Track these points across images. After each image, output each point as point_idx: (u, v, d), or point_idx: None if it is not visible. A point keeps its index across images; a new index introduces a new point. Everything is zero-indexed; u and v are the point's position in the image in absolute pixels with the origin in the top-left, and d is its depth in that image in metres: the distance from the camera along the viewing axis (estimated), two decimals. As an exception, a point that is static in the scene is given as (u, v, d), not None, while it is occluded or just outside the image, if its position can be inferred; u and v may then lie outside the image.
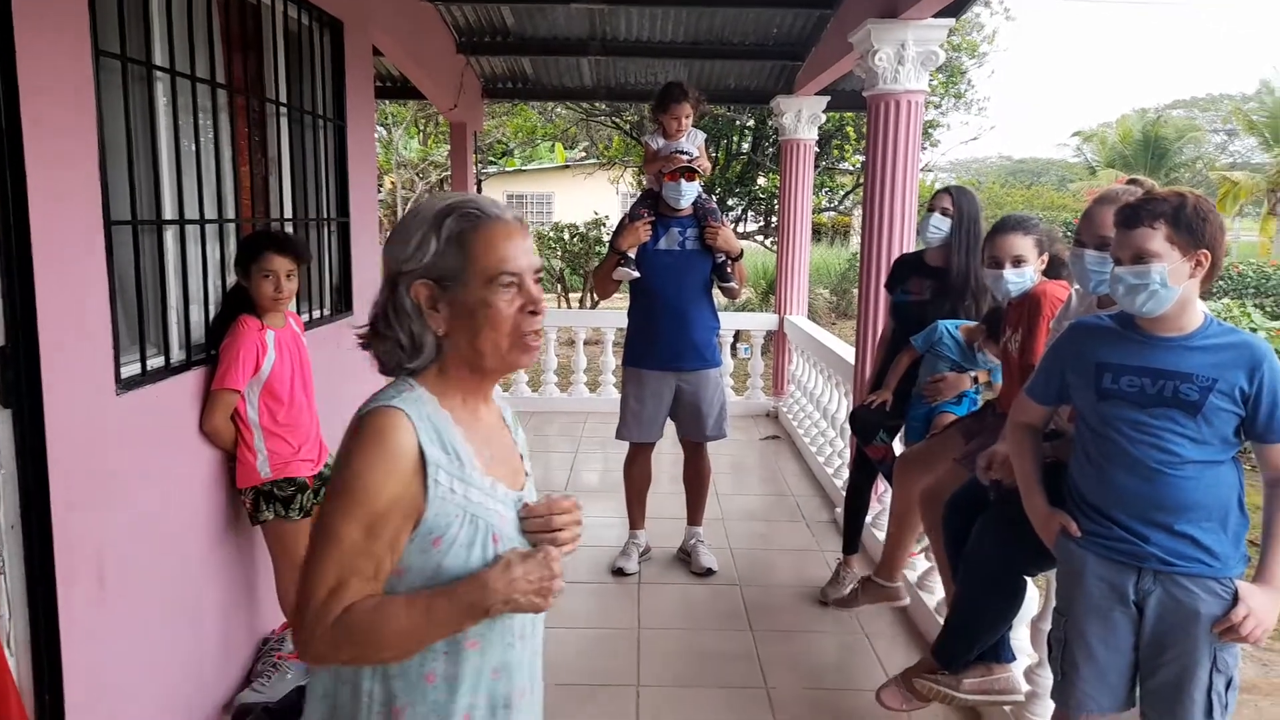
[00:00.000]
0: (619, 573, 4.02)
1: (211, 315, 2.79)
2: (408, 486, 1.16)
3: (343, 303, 3.92)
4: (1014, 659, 2.65)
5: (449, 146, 8.15)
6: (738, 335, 7.97)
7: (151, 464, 2.41)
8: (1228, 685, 1.97)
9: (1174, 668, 1.97)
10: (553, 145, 25.07)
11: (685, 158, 3.77)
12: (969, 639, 2.51)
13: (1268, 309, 11.65)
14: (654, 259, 3.87)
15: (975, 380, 3.34)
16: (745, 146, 11.20)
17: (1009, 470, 2.36)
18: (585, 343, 7.57)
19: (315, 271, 3.67)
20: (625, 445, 4.13)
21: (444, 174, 17.47)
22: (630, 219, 3.90)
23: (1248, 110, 30.73)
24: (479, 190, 7.63)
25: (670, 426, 4.08)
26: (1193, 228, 1.90)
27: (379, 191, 18.56)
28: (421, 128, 18.78)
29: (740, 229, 12.15)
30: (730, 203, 11.73)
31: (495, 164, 19.94)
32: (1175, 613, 1.95)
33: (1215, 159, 38.44)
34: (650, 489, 4.21)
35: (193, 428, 2.65)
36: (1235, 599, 1.91)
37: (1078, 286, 2.54)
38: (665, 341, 3.90)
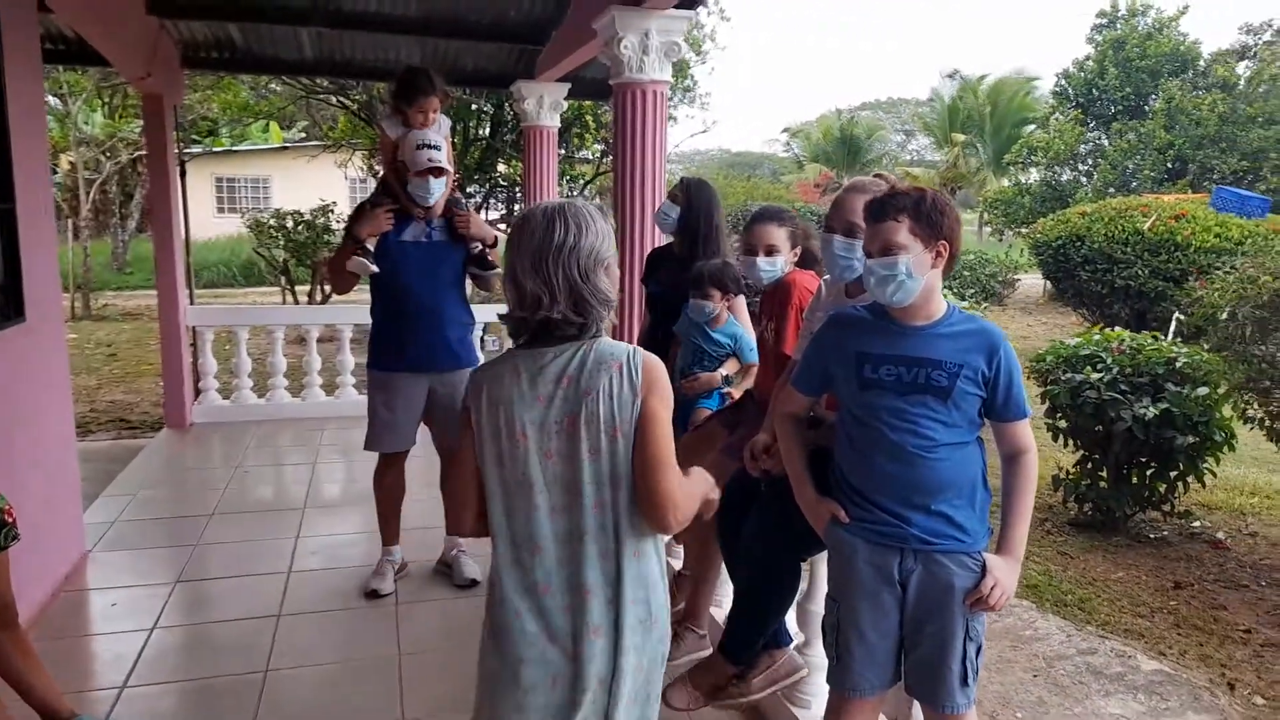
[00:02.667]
0: (373, 595, 3.68)
1: None
2: None
3: (11, 307, 3.24)
4: (791, 640, 2.72)
5: (142, 122, 7.13)
6: (486, 328, 7.71)
7: None
8: (978, 651, 2.11)
9: (934, 641, 2.07)
10: (266, 125, 23.11)
11: (434, 151, 3.47)
12: (757, 627, 2.52)
13: (955, 291, 13.23)
14: (399, 251, 3.56)
15: (727, 379, 3.40)
16: (484, 132, 10.90)
17: (778, 461, 2.39)
18: (319, 340, 6.98)
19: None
20: (372, 455, 3.79)
21: (136, 153, 15.46)
22: (371, 205, 3.56)
23: (923, 114, 35.05)
24: (182, 173, 6.72)
25: (424, 433, 3.81)
26: (932, 220, 2.00)
27: (54, 172, 16.09)
28: (107, 100, 16.51)
29: (483, 217, 11.84)
30: (470, 189, 11.38)
31: (200, 143, 17.99)
32: (934, 589, 2.05)
33: (898, 156, 43.41)
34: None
35: None
36: (983, 571, 2.05)
37: (827, 276, 2.63)
38: (416, 341, 3.61)
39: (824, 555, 2.45)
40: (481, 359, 7.08)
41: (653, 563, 1.70)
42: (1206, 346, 4.84)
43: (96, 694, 2.97)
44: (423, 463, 3.97)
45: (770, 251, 2.90)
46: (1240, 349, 4.06)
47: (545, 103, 6.69)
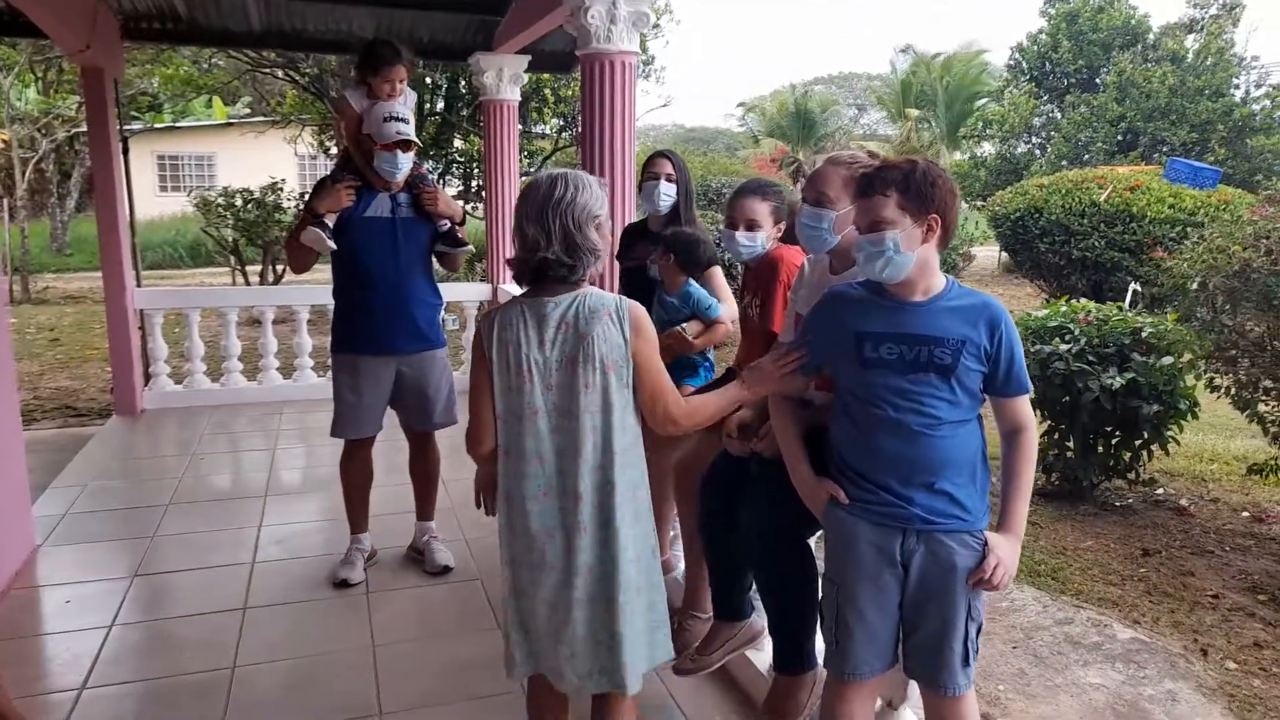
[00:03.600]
0: (342, 584, 3.56)
1: None
2: None
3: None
4: (753, 612, 2.71)
5: (79, 98, 6.78)
6: (445, 307, 7.56)
7: None
8: (978, 631, 2.07)
9: (936, 622, 2.03)
10: (209, 100, 22.35)
11: (402, 124, 3.32)
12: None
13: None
14: (362, 228, 3.41)
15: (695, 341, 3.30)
16: (439, 106, 10.63)
17: (770, 442, 2.33)
18: (274, 322, 6.76)
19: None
20: (337, 440, 3.65)
21: (74, 130, 14.85)
22: (332, 180, 3.40)
23: (875, 89, 35.12)
24: (125, 150, 6.43)
25: (389, 420, 3.68)
26: (922, 193, 1.95)
27: (-11, 150, 15.39)
28: (40, 75, 15.82)
29: (436, 194, 11.57)
30: (428, 165, 11.12)
31: (140, 119, 17.29)
32: (936, 569, 2.00)
33: (851, 130, 43.58)
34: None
35: None
36: (985, 550, 2.01)
37: (812, 254, 2.56)
38: (381, 322, 3.47)
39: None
40: (447, 340, 6.96)
41: (639, 470, 2.07)
42: (1174, 316, 4.89)
43: (53, 697, 2.82)
44: (389, 445, 3.85)
45: (751, 226, 2.84)
46: (1209, 318, 4.10)
47: (505, 75, 6.51)
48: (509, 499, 2.05)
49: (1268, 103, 16.45)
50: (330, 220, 3.35)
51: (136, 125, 16.30)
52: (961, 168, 20.26)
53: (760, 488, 2.39)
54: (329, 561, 3.75)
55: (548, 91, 10.01)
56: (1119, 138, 16.76)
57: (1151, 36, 18.14)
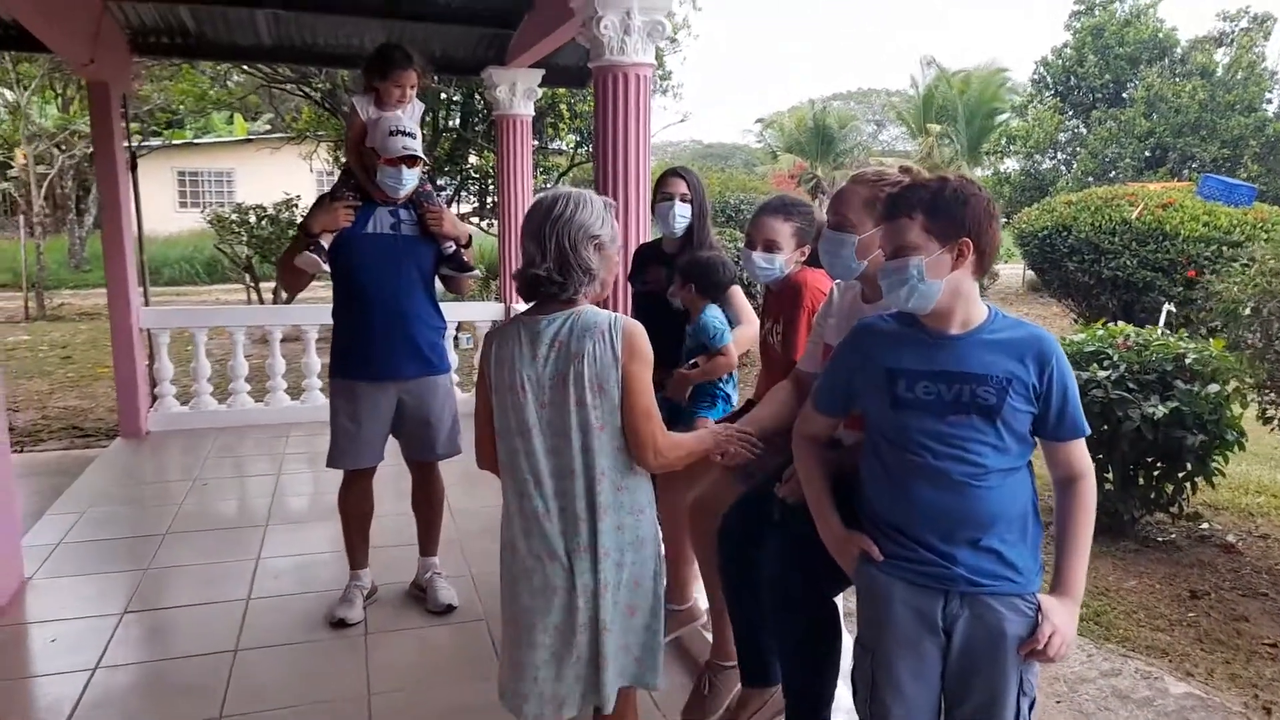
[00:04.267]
0: (340, 624, 3.37)
1: None
2: None
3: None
4: (779, 679, 2.45)
5: (92, 113, 6.69)
6: (459, 326, 7.39)
7: None
8: (1030, 706, 1.85)
9: (983, 694, 1.80)
10: (230, 116, 22.46)
11: (408, 138, 3.15)
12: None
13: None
14: (362, 246, 3.23)
15: (693, 365, 3.12)
16: (454, 122, 10.52)
17: (795, 487, 2.12)
18: (283, 341, 6.62)
19: None
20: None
21: (90, 146, 14.91)
22: (331, 198, 3.23)
23: (894, 104, 34.91)
24: (134, 165, 6.33)
25: (392, 445, 3.49)
26: (951, 214, 1.75)
27: (9, 167, 15.45)
28: (60, 91, 15.90)
29: (455, 210, 11.47)
30: (441, 182, 11.01)
31: (160, 135, 17.36)
32: (983, 636, 1.78)
33: (870, 146, 43.41)
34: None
35: None
36: (1039, 615, 1.78)
37: (839, 280, 2.36)
38: (381, 346, 3.28)
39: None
40: (455, 360, 6.80)
41: (639, 493, 2.02)
42: (1220, 342, 4.63)
43: (25, 751, 2.64)
44: (393, 470, 3.64)
45: (770, 247, 2.65)
46: (1263, 345, 3.84)
47: (518, 90, 6.36)
48: (509, 518, 2.04)
49: (1301, 117, 16.09)
50: (326, 240, 3.18)
51: (155, 141, 16.35)
52: (985, 184, 19.92)
53: (782, 537, 2.17)
54: (328, 598, 3.55)
55: (563, 107, 9.87)
56: (1147, 154, 16.44)
57: (1179, 50, 17.83)
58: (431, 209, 3.29)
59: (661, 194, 3.31)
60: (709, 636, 2.84)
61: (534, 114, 6.69)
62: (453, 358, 6.71)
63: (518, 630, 2.02)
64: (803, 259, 2.68)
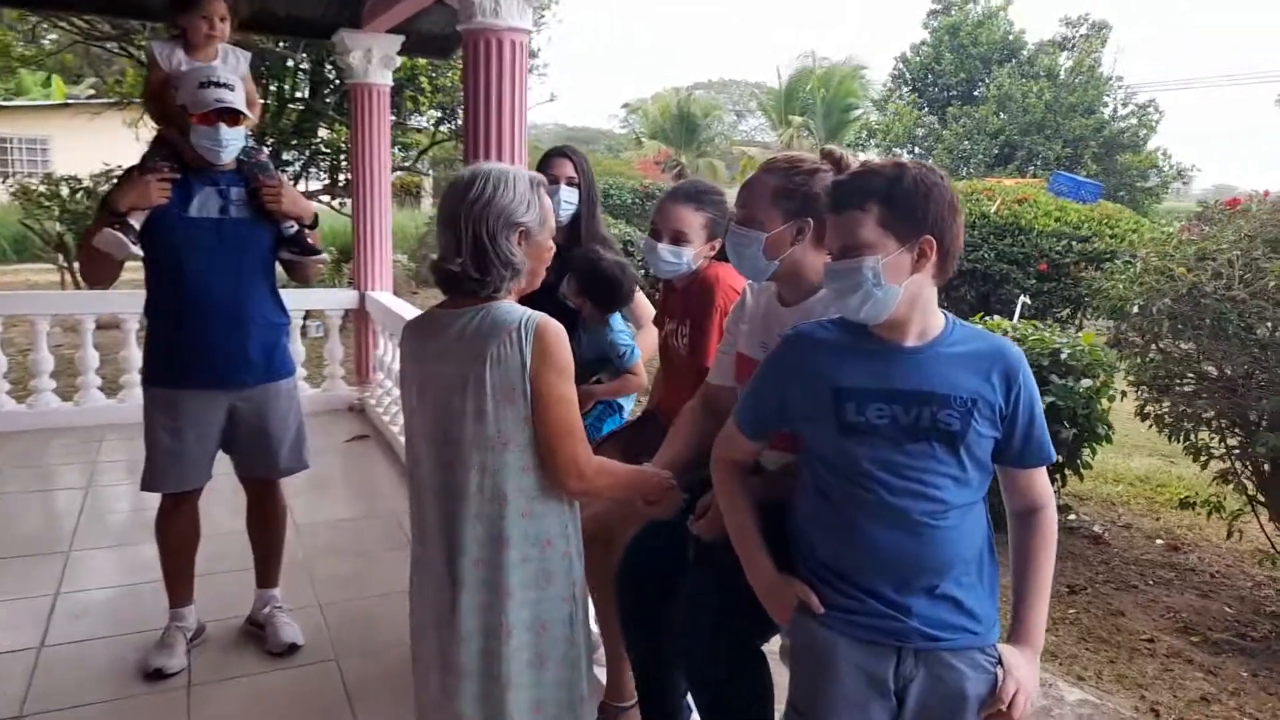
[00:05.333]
0: (157, 675, 2.82)
1: None
2: None
3: None
4: None
5: None
6: (307, 315, 6.73)
7: None
8: None
9: None
10: (48, 78, 20.29)
11: (223, 89, 2.62)
12: None
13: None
14: (183, 231, 2.69)
15: (597, 380, 2.81)
16: (304, 92, 9.68)
17: (713, 522, 1.81)
18: (99, 329, 5.79)
19: None
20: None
21: None
22: (140, 170, 2.68)
23: (758, 95, 35.60)
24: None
25: (222, 461, 2.97)
26: (912, 207, 1.49)
27: None
28: None
29: (303, 188, 10.59)
30: (287, 157, 10.14)
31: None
32: (941, 699, 1.53)
33: (731, 135, 44.14)
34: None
35: None
36: (999, 670, 1.55)
37: (751, 282, 2.07)
38: (209, 348, 2.76)
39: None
40: (302, 352, 6.16)
41: (548, 521, 1.73)
42: (1089, 336, 4.69)
43: None
44: (224, 479, 3.09)
45: (678, 239, 2.33)
46: (1144, 343, 3.87)
47: (374, 57, 5.78)
48: (412, 535, 1.84)
49: (1134, 121, 17.29)
50: (136, 220, 2.62)
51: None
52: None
53: (699, 578, 1.87)
54: (144, 642, 2.99)
55: (424, 79, 9.23)
56: (997, 151, 17.27)
57: (1026, 52, 18.82)
58: (268, 182, 2.78)
59: (546, 175, 2.94)
60: (602, 675, 2.51)
61: (392, 85, 6.11)
62: (299, 351, 6.08)
63: (415, 670, 1.83)
64: (712, 254, 2.37)
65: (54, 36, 11.14)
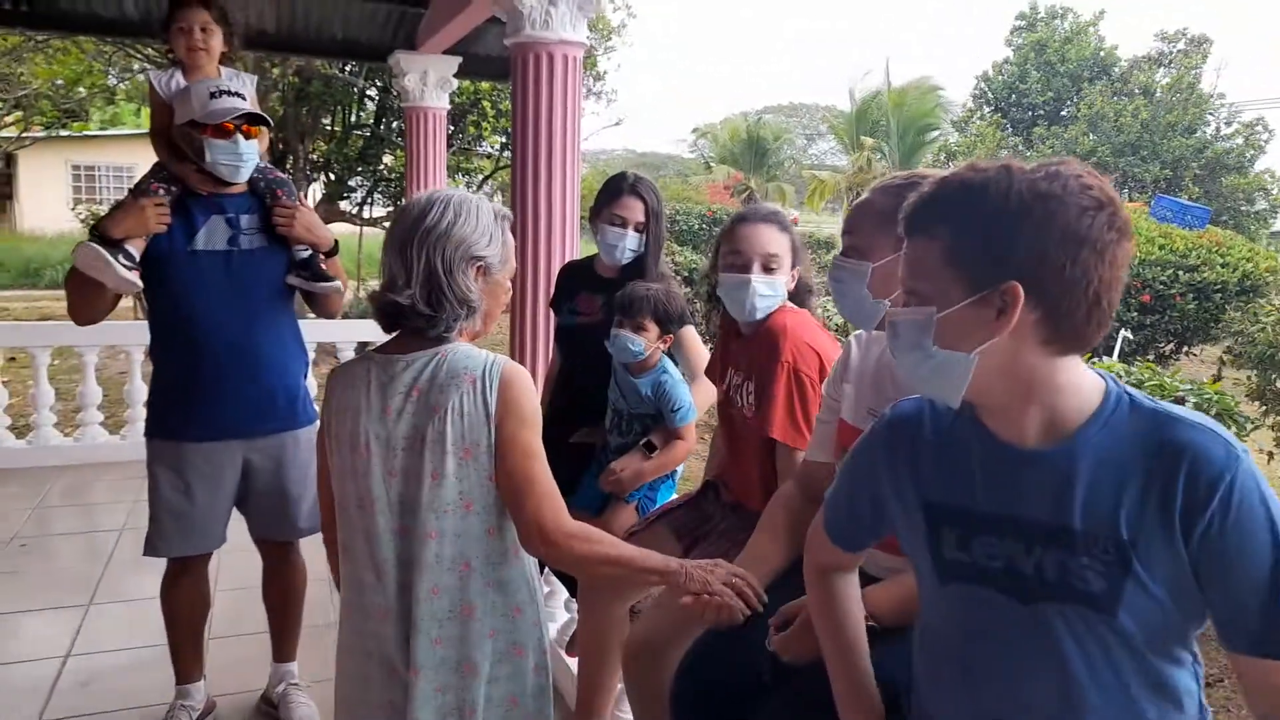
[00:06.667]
0: (156, 764, 2.53)
1: None
2: None
3: None
4: None
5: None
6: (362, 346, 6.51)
7: None
8: None
9: None
10: (139, 109, 20.98)
11: (235, 98, 2.34)
12: None
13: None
14: (189, 267, 2.41)
15: (650, 445, 2.42)
16: (366, 118, 9.62)
17: (802, 640, 1.40)
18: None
19: None
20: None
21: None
22: (135, 194, 2.41)
23: (829, 118, 35.12)
24: (7, 161, 5.31)
25: (236, 522, 2.66)
26: (995, 234, 1.00)
27: None
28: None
29: (367, 214, 10.50)
30: (352, 183, 10.08)
31: (63, 125, 15.69)
32: None
33: (801, 159, 43.74)
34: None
35: None
36: None
37: (859, 330, 1.66)
38: (220, 394, 2.46)
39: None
40: (318, 414, 5.90)
41: (520, 591, 1.56)
42: (1213, 383, 4.13)
43: None
44: (235, 534, 2.78)
45: (769, 266, 1.94)
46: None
47: (430, 79, 5.56)
48: (345, 615, 1.61)
49: (1240, 141, 16.24)
50: (135, 250, 2.34)
51: (40, 133, 14.94)
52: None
53: (778, 710, 1.46)
54: (153, 716, 2.70)
55: (487, 104, 9.06)
56: (1090, 173, 16.39)
57: (1119, 69, 17.91)
58: (283, 205, 2.47)
59: (611, 214, 2.57)
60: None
61: (449, 108, 5.89)
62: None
63: None
64: (792, 286, 1.98)
65: (139, 65, 11.36)
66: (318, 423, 2.75)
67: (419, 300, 1.48)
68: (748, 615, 1.42)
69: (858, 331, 1.65)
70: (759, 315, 1.91)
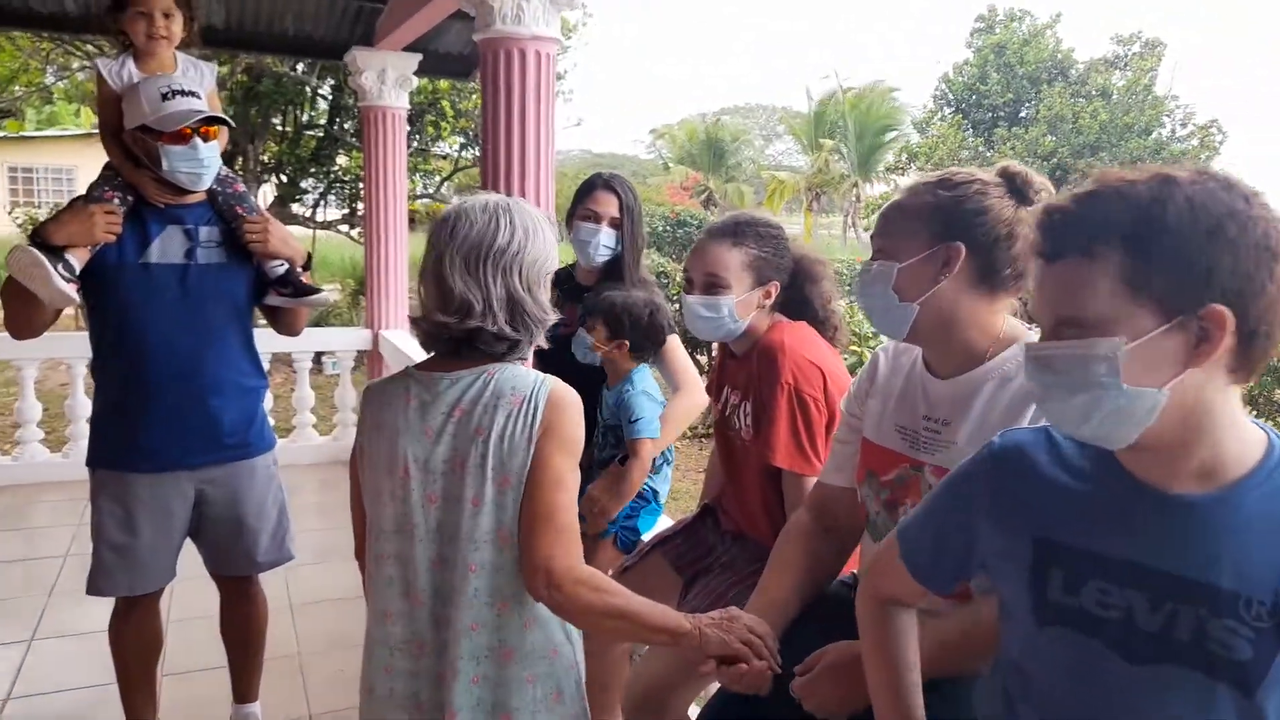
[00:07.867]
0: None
1: None
2: None
3: None
4: None
5: None
6: (318, 356, 6.28)
7: None
8: None
9: None
10: (78, 109, 20.33)
11: (190, 98, 2.15)
12: None
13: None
14: (142, 279, 2.20)
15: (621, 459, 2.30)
16: (319, 117, 9.33)
17: (825, 693, 1.27)
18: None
19: None
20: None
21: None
22: (86, 200, 2.20)
23: (788, 119, 35.37)
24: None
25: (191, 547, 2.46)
26: (1186, 252, 0.88)
27: None
28: None
29: (321, 216, 10.20)
30: (305, 185, 9.78)
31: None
32: None
33: (759, 160, 44.01)
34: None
35: None
36: None
37: (887, 341, 1.53)
38: (169, 421, 2.25)
39: None
40: (311, 398, 5.69)
41: (557, 631, 1.43)
42: None
43: None
44: (194, 568, 2.57)
45: (711, 286, 1.83)
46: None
47: (389, 78, 5.36)
48: (370, 650, 1.49)
49: (1195, 142, 16.60)
50: (76, 260, 2.13)
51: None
52: (889, 199, 20.09)
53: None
54: (98, 766, 2.49)
55: (446, 104, 8.84)
56: (1049, 174, 16.68)
57: (1076, 71, 18.22)
58: (251, 220, 2.29)
59: (585, 210, 2.45)
60: None
61: (409, 107, 5.68)
62: (308, 395, 5.62)
63: None
64: (768, 303, 1.84)
65: (82, 64, 10.91)
66: (276, 448, 2.58)
67: (505, 326, 1.39)
68: (776, 672, 1.28)
69: (885, 344, 1.52)
70: (704, 336, 1.85)
